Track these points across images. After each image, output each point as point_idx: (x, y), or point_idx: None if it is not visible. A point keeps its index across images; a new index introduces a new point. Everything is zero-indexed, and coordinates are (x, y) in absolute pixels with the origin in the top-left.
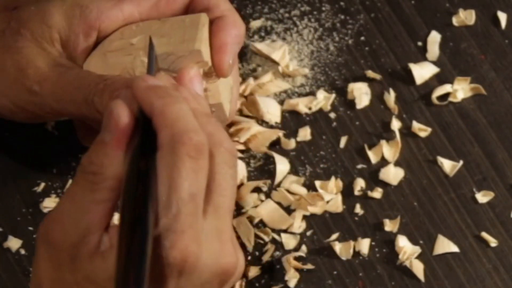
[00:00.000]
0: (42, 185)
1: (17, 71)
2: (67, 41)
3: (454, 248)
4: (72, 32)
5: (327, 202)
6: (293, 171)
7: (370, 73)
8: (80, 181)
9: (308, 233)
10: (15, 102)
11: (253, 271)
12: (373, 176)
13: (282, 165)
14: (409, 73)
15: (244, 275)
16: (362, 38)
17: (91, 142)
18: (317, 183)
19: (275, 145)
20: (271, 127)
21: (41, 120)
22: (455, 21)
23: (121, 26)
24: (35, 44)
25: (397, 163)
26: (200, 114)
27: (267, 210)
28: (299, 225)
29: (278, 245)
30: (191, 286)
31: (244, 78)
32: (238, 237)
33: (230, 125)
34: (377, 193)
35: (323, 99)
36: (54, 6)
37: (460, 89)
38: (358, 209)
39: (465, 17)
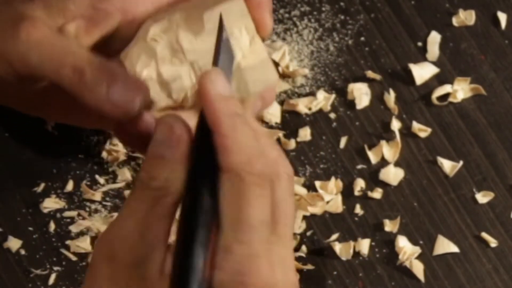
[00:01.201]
0: (42, 185)
1: (11, 20)
2: (83, 18)
3: (454, 248)
4: (92, 9)
5: (327, 202)
6: (293, 171)
7: (370, 73)
8: (142, 197)
9: (308, 233)
10: None
11: None
12: (373, 176)
13: None
14: (409, 73)
15: None
16: (362, 38)
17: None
18: (317, 184)
19: None
20: (271, 127)
21: (15, 82)
22: (455, 21)
23: (151, 14)
24: (44, 10)
25: (397, 164)
26: (262, 135)
27: None
28: (299, 225)
29: None
30: None
31: None
32: None
33: None
34: (377, 193)
35: (323, 100)
36: None
37: (460, 90)
38: (358, 209)
39: (465, 17)
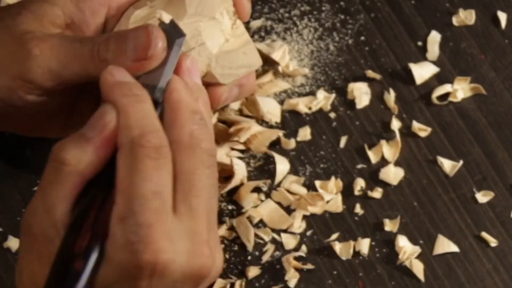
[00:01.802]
0: None
1: (15, 42)
2: (71, 17)
3: (454, 248)
4: (78, 10)
5: (327, 202)
6: (293, 171)
7: (370, 73)
8: (50, 171)
9: (308, 233)
10: (13, 73)
11: (253, 271)
12: (373, 176)
13: (282, 165)
14: (409, 73)
15: (244, 275)
16: (362, 38)
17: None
18: (317, 183)
19: (275, 145)
20: (271, 127)
21: (40, 109)
22: (455, 21)
23: (133, 2)
24: (36, 22)
25: (397, 163)
26: (184, 108)
27: (267, 210)
28: (299, 225)
29: (278, 245)
30: (163, 285)
31: None
32: (238, 237)
33: (230, 125)
34: (377, 193)
35: (323, 99)
36: None
37: (460, 89)
38: (358, 209)
39: (465, 17)
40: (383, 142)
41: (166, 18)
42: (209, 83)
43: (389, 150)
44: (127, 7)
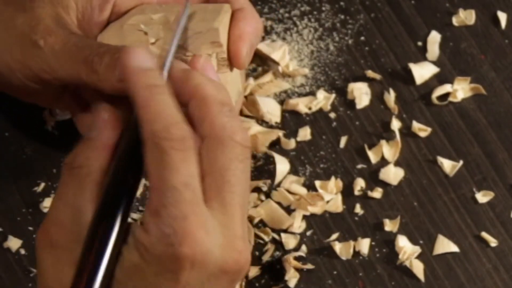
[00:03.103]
0: (42, 185)
1: (26, 26)
2: (83, 12)
3: (454, 248)
4: (89, 4)
5: (327, 202)
6: (293, 171)
7: (370, 73)
8: (67, 180)
9: (308, 233)
10: (16, 56)
11: (253, 271)
12: (373, 176)
13: (282, 165)
14: (409, 73)
15: (244, 275)
16: (362, 38)
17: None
18: (317, 183)
19: (275, 145)
20: (271, 127)
21: (34, 90)
22: (455, 21)
23: (137, 4)
24: (50, 7)
25: (397, 163)
26: (212, 102)
27: (267, 210)
28: (299, 225)
29: (278, 245)
30: (201, 277)
31: None
32: None
33: None
34: (377, 193)
35: (323, 99)
36: None
37: (460, 89)
38: (358, 209)
39: (465, 17)
40: (383, 142)
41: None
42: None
43: (389, 150)
44: (133, 6)
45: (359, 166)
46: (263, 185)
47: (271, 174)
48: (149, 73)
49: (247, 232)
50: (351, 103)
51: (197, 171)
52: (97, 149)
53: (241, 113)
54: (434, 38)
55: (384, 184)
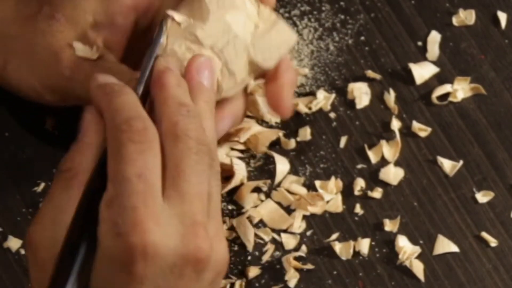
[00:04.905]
0: (42, 185)
1: (50, 54)
2: (103, 24)
3: (454, 248)
4: (108, 15)
5: (327, 202)
6: (293, 171)
7: (370, 73)
8: (55, 182)
9: (308, 233)
10: (44, 83)
11: (253, 271)
12: (373, 176)
13: (282, 165)
14: (409, 73)
15: (244, 275)
16: (362, 38)
17: None
18: (317, 183)
19: (275, 145)
20: (271, 127)
21: (66, 103)
22: (455, 21)
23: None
24: (70, 28)
25: (397, 163)
26: (171, 103)
27: (267, 210)
28: (299, 225)
29: (278, 245)
30: (159, 270)
31: None
32: (238, 237)
33: None
34: (377, 193)
35: (323, 99)
36: None
37: (460, 89)
38: (358, 209)
39: (465, 17)
40: (383, 142)
41: (197, 30)
42: (261, 74)
43: (389, 150)
44: (157, 5)
45: (359, 166)
46: (263, 185)
47: (271, 174)
48: (111, 83)
49: (220, 226)
50: (351, 103)
51: (157, 164)
52: (82, 151)
53: None
54: (434, 38)
55: (384, 184)
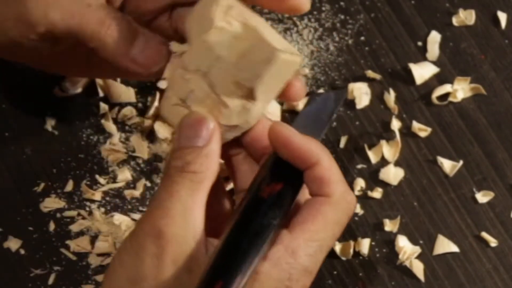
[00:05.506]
0: (42, 185)
1: None
2: None
3: (454, 248)
4: None
5: None
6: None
7: (370, 73)
8: (181, 181)
9: None
10: (11, 14)
11: None
12: (373, 176)
13: None
14: (409, 73)
15: None
16: (362, 38)
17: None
18: None
19: None
20: None
21: (38, 48)
22: (455, 21)
23: None
24: None
25: (397, 163)
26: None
27: None
28: None
29: None
30: None
31: None
32: None
33: None
34: (377, 193)
35: None
36: None
37: (460, 89)
38: (358, 209)
39: (465, 17)
40: (383, 142)
41: (175, 48)
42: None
43: (389, 150)
44: None
45: (359, 166)
46: None
47: None
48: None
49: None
50: (351, 103)
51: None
52: (211, 157)
53: None
54: (434, 38)
55: (384, 184)
